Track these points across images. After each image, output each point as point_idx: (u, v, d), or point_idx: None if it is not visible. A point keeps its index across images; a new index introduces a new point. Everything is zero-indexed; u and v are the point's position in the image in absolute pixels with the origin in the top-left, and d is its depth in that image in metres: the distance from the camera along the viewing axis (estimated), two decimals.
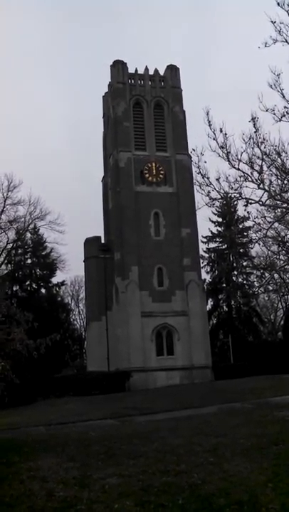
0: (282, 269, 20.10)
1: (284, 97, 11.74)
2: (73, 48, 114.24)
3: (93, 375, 34.12)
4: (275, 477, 8.44)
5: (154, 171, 39.08)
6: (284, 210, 13.57)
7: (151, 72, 42.10)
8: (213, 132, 12.68)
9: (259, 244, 17.10)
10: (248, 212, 13.60)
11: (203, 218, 57.63)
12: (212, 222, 48.06)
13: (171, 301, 36.75)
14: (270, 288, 36.31)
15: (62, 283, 51.15)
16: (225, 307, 49.58)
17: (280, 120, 11.98)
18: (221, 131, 12.63)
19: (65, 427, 17.31)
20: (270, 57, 12.50)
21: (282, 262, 18.28)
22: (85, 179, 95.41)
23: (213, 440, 12.02)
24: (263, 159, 12.77)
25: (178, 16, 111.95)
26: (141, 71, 41.94)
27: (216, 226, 48.58)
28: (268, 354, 38.51)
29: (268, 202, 13.18)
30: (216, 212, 45.33)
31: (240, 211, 45.11)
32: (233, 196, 13.70)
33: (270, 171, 13.05)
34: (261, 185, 12.75)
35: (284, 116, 11.88)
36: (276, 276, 30.92)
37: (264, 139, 12.64)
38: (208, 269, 49.01)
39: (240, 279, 48.70)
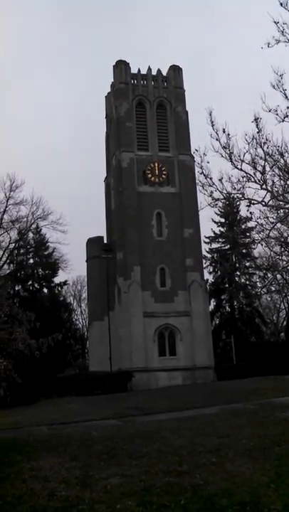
0: (285, 269, 20.05)
1: (287, 97, 11.72)
2: (74, 47, 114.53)
3: (95, 375, 34.13)
4: (277, 478, 8.43)
5: (157, 171, 39.08)
6: (287, 210, 13.54)
7: (154, 73, 42.12)
8: (216, 132, 12.69)
9: (262, 244, 17.10)
10: (250, 212, 13.59)
11: (206, 219, 57.55)
12: (215, 222, 48.09)
13: (173, 301, 36.74)
14: (273, 289, 36.10)
15: (65, 283, 51.15)
16: (227, 308, 49.53)
17: (283, 121, 11.96)
18: (224, 131, 12.64)
19: (67, 427, 17.32)
20: (273, 57, 12.49)
21: (284, 262, 18.24)
22: (88, 179, 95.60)
23: (216, 441, 12.01)
24: (265, 160, 12.76)
25: (180, 16, 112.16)
26: (144, 71, 41.96)
27: (218, 226, 48.58)
28: (271, 355, 38.45)
29: (270, 202, 13.17)
30: (219, 213, 45.30)
31: (243, 211, 44.84)
32: (235, 197, 13.69)
33: (273, 171, 13.05)
34: (264, 186, 12.74)
35: (287, 116, 11.86)
36: (279, 276, 30.77)
37: (267, 140, 12.63)
38: (211, 270, 49.03)
39: (242, 280, 48.63)
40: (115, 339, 36.50)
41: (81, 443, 13.22)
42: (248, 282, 48.09)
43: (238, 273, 48.45)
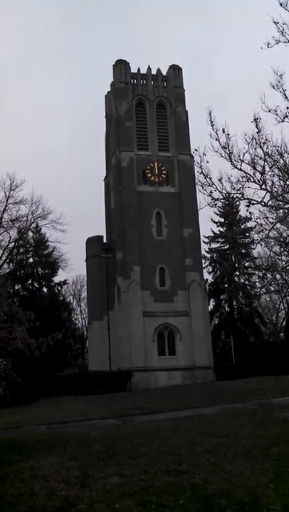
0: (284, 269, 20.08)
1: (286, 97, 11.72)
2: (74, 47, 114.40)
3: (95, 374, 34.14)
4: (276, 478, 8.44)
5: (157, 171, 39.07)
6: (286, 210, 13.54)
7: (153, 72, 42.08)
8: (216, 132, 12.68)
9: (261, 244, 17.14)
10: (250, 212, 13.60)
11: (205, 218, 57.67)
12: (214, 222, 48.09)
13: (173, 301, 36.75)
14: (272, 289, 36.34)
15: (64, 282, 51.12)
16: (227, 308, 49.54)
17: (283, 121, 11.96)
18: (224, 131, 12.63)
19: (66, 426, 17.34)
20: (273, 57, 12.49)
21: (284, 262, 18.27)
22: (88, 179, 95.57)
23: (215, 440, 12.02)
24: (265, 160, 12.75)
25: (180, 16, 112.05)
26: (143, 71, 41.91)
27: (218, 226, 48.58)
28: (270, 355, 38.44)
29: (270, 202, 13.17)
30: (218, 213, 45.30)
31: (243, 212, 44.89)
32: (235, 197, 13.69)
33: (273, 171, 13.04)
34: (263, 186, 12.74)
35: (286, 116, 11.86)
36: (278, 277, 30.96)
37: (266, 140, 12.63)
38: (210, 270, 49.02)
39: (242, 280, 48.64)
40: (115, 339, 36.51)
41: (80, 442, 13.24)
42: (247, 282, 48.14)
43: (237, 273, 48.47)
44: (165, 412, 19.59)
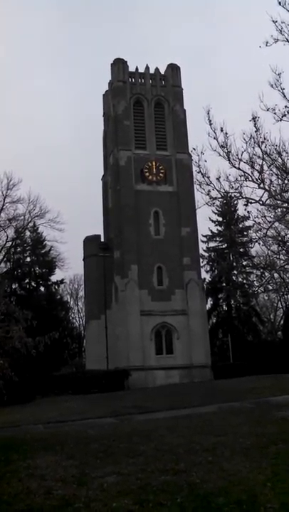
0: (282, 268, 20.11)
1: (285, 96, 11.72)
2: (74, 47, 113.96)
3: (92, 373, 34.11)
4: (274, 476, 8.44)
5: (154, 170, 39.02)
6: (284, 209, 13.56)
7: (151, 71, 41.99)
8: (214, 131, 12.68)
9: (259, 243, 17.10)
10: (248, 211, 13.57)
11: (203, 217, 57.74)
12: (212, 221, 48.01)
13: (170, 300, 36.73)
14: (270, 287, 36.30)
15: (62, 281, 51.00)
16: (224, 306, 49.53)
17: (281, 120, 11.96)
18: (222, 130, 12.63)
19: (64, 425, 17.33)
20: (272, 56, 12.49)
21: (282, 261, 18.28)
22: (85, 177, 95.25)
23: (213, 439, 12.02)
24: (263, 159, 12.76)
25: (180, 16, 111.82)
26: (142, 70, 41.82)
27: (216, 225, 48.53)
28: (268, 354, 38.48)
29: (268, 201, 13.17)
30: (216, 212, 45.21)
31: (241, 210, 45.13)
32: (233, 195, 13.70)
33: (271, 170, 13.05)
34: (261, 185, 12.74)
35: (285, 115, 11.87)
36: (276, 275, 30.93)
37: (265, 139, 12.63)
38: (208, 269, 48.97)
39: (240, 279, 48.64)
40: (112, 337, 36.48)
41: (78, 441, 13.23)
42: (245, 281, 48.14)
43: (235, 272, 48.48)
44: (163, 411, 19.60)
